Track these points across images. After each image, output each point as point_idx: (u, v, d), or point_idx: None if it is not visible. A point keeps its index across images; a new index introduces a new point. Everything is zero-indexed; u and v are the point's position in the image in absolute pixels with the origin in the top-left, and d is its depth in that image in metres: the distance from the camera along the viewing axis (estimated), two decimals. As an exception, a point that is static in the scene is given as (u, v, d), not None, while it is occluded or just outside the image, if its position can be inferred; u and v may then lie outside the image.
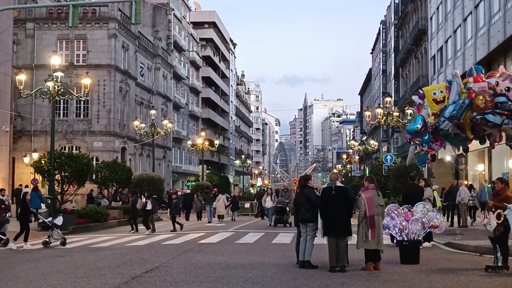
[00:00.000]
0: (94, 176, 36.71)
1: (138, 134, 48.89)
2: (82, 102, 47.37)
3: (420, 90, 15.47)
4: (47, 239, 20.63)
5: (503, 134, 14.36)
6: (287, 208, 30.00)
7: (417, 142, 15.54)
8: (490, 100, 12.92)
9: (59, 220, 21.31)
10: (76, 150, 45.95)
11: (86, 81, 30.67)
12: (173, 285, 11.35)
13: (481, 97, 12.96)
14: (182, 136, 73.30)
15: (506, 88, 13.07)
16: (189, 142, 65.66)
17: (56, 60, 29.64)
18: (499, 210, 12.77)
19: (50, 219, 21.57)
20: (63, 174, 29.95)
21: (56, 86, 28.21)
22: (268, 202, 32.34)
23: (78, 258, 16.23)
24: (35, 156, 40.75)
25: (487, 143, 15.00)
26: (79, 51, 50.38)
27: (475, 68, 14.09)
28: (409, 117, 38.84)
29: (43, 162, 30.76)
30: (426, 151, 15.60)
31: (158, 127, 48.94)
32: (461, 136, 14.39)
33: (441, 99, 13.88)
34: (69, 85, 42.38)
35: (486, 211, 13.17)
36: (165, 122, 50.34)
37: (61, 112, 49.27)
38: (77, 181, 31.15)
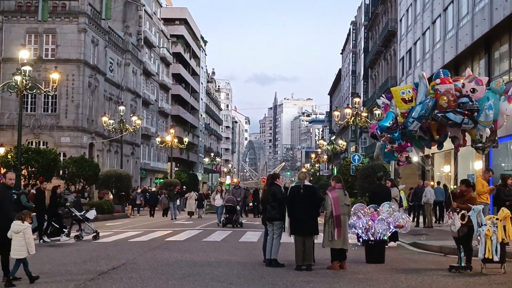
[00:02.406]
0: (61, 171, 36.41)
1: (106, 130, 48.53)
2: (50, 96, 46.82)
3: (383, 95, 15.66)
4: (79, 233, 20.69)
5: (467, 138, 14.60)
6: (238, 207, 28.72)
7: (386, 141, 15.71)
8: (453, 100, 13.15)
9: (91, 214, 21.44)
10: (43, 145, 45.57)
11: (54, 75, 30.36)
12: (140, 282, 11.33)
13: (444, 97, 13.18)
14: (151, 133, 72.91)
15: (472, 90, 13.31)
16: (158, 139, 65.34)
17: (24, 53, 29.30)
18: (463, 211, 12.98)
19: (82, 212, 21.60)
20: (30, 169, 29.71)
21: (24, 80, 27.92)
22: (217, 200, 30.17)
23: (43, 254, 16.10)
24: (2, 150, 40.24)
25: (447, 147, 15.24)
26: (48, 45, 49.87)
27: (442, 72, 14.31)
28: (377, 118, 39.11)
29: (9, 156, 30.51)
30: (395, 148, 15.78)
31: (127, 123, 48.69)
32: (425, 139, 14.60)
33: (409, 98, 14.08)
34: (38, 79, 41.97)
35: (451, 212, 13.37)
36: (134, 118, 50.02)
37: (29, 106, 48.68)
38: (44, 176, 30.91)
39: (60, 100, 49.15)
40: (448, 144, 15.59)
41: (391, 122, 14.43)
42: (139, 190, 48.67)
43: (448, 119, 13.19)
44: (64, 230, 20.97)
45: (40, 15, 25.02)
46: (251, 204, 42.52)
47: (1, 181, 12.92)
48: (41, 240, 19.96)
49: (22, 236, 11.28)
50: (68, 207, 22.35)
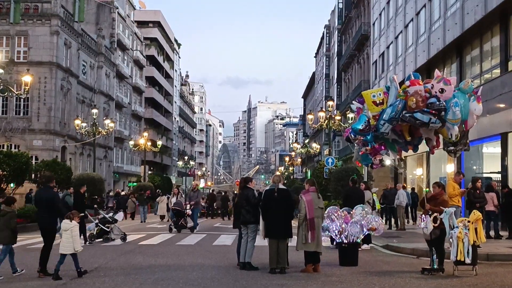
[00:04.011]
0: (33, 175, 36.04)
1: (79, 133, 48.15)
2: (22, 99, 46.45)
3: (354, 101, 15.77)
4: (108, 235, 21.12)
5: (441, 140, 14.74)
6: (189, 211, 27.30)
7: (360, 144, 15.83)
8: (421, 100, 13.29)
9: (119, 216, 22.23)
10: (15, 148, 45.07)
11: (26, 78, 30.03)
12: (112, 286, 11.27)
13: (413, 98, 13.34)
14: (124, 136, 72.51)
15: (440, 90, 13.47)
16: (131, 142, 64.97)
17: (-5, 56, 29.00)
18: (435, 214, 13.08)
19: (110, 214, 22.12)
20: (1, 172, 29.31)
21: (-5, 83, 27.60)
22: (174, 203, 28.78)
23: (15, 259, 15.92)
24: (-28, 154, 39.74)
25: (420, 150, 15.40)
26: (20, 47, 49.36)
27: (413, 74, 14.46)
28: (350, 121, 39.29)
29: (-20, 160, 30.00)
30: (369, 151, 15.91)
31: (100, 126, 48.33)
32: (400, 142, 14.71)
33: (380, 101, 14.22)
34: (9, 82, 41.39)
35: (423, 214, 13.48)
36: (107, 121, 49.68)
37: (0, 109, 48.21)
38: (16, 180, 30.54)
39: (32, 103, 48.68)
40: (421, 147, 15.74)
41: (363, 125, 14.56)
42: (111, 194, 48.48)
43: (416, 119, 13.34)
44: (107, 230, 21.34)
45: (12, 17, 24.69)
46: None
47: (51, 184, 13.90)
48: (87, 242, 20.29)
49: (70, 234, 12.52)
50: (96, 210, 22.47)
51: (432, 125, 13.46)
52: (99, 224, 21.41)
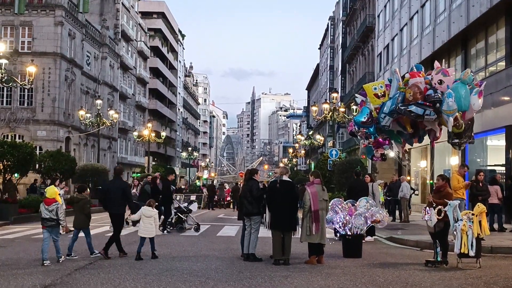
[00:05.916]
0: (37, 165, 36.11)
1: (83, 124, 48.15)
2: (26, 90, 46.57)
3: (356, 95, 15.74)
4: (182, 225, 21.65)
5: (443, 132, 14.70)
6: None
7: (363, 137, 15.80)
8: (419, 92, 13.24)
9: (194, 206, 22.65)
10: (19, 138, 45.16)
11: (31, 69, 30.04)
12: (117, 277, 11.29)
13: (410, 90, 13.28)
14: (128, 127, 72.52)
15: (439, 81, 13.40)
16: (135, 133, 64.93)
17: (0, 46, 28.98)
18: (439, 206, 13.08)
19: (185, 204, 22.61)
20: (5, 163, 29.36)
21: (-1, 73, 27.61)
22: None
23: (20, 248, 15.99)
24: (-24, 144, 39.72)
25: (424, 142, 15.38)
26: (24, 38, 49.43)
27: (416, 66, 14.41)
28: (354, 113, 39.20)
29: (-16, 150, 30.01)
30: (372, 144, 15.89)
31: (104, 117, 48.34)
32: (405, 134, 14.67)
33: (382, 93, 14.18)
34: (13, 72, 41.58)
35: (427, 207, 13.48)
36: (111, 112, 49.69)
37: (4, 99, 48.29)
38: (20, 170, 30.59)
39: (36, 94, 48.74)
40: (426, 139, 15.71)
41: (365, 117, 14.52)
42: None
43: (410, 112, 13.29)
44: (183, 219, 21.84)
45: (16, 8, 24.71)
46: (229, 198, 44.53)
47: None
48: (165, 231, 20.80)
49: (152, 220, 14.01)
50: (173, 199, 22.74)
51: (427, 117, 13.38)
52: (177, 213, 21.77)
